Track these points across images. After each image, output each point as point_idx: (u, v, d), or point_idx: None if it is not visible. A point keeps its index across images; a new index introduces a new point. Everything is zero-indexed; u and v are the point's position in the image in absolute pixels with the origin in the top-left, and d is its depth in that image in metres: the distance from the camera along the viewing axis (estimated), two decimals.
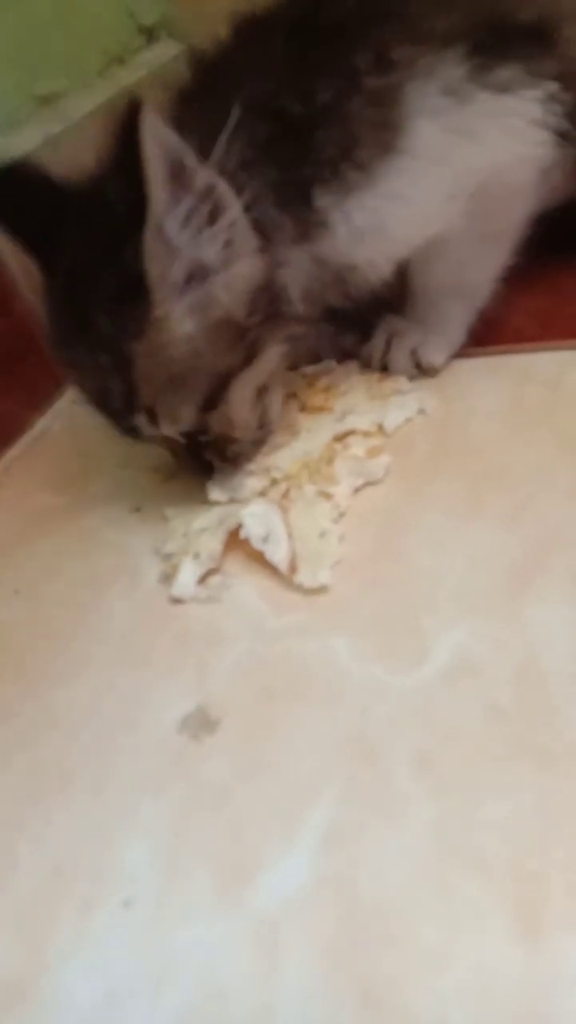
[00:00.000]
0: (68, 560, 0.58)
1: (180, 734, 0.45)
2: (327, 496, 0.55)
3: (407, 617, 0.47)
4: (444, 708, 0.43)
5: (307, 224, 0.52)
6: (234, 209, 0.49)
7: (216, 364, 0.51)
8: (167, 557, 0.55)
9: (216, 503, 0.57)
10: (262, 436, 0.58)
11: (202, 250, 0.48)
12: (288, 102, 0.50)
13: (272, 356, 0.54)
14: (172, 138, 0.45)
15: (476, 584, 0.48)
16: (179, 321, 0.49)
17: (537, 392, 0.58)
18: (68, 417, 0.71)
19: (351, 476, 0.56)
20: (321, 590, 0.50)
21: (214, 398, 0.52)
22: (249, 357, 0.52)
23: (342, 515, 0.54)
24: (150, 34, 0.84)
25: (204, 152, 0.48)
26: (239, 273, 0.50)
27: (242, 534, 0.53)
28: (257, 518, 0.53)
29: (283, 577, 0.51)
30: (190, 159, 0.46)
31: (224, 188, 0.48)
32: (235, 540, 0.53)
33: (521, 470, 0.53)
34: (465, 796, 0.39)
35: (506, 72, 0.51)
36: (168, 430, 0.53)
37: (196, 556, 0.53)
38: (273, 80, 0.50)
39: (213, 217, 0.48)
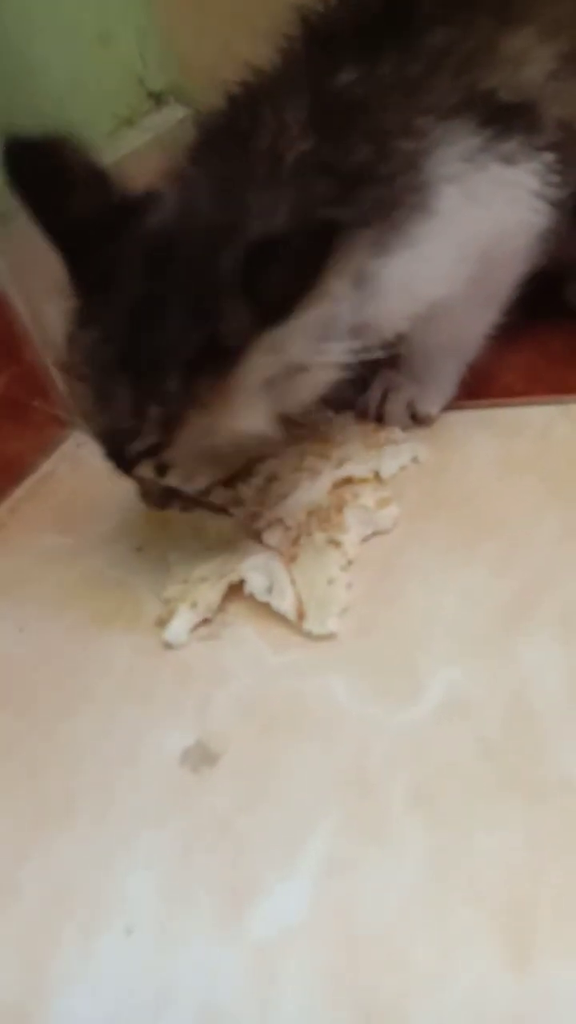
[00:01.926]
0: (72, 598, 0.60)
1: (181, 767, 0.47)
2: (336, 544, 0.56)
3: (402, 656, 0.49)
4: (437, 744, 0.44)
5: (358, 289, 0.52)
6: (346, 313, 0.49)
7: (256, 450, 0.51)
8: (166, 602, 0.56)
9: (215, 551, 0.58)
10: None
11: (302, 354, 0.47)
12: (331, 157, 0.51)
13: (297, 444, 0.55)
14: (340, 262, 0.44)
15: (469, 625, 0.50)
16: (253, 413, 0.48)
17: (525, 443, 0.61)
18: (73, 460, 0.73)
19: (360, 525, 0.58)
20: (329, 637, 0.51)
21: (238, 477, 0.52)
22: (284, 444, 0.53)
23: (350, 563, 0.55)
24: (158, 99, 0.88)
25: (236, 201, 0.48)
26: (324, 377, 0.51)
27: (246, 590, 0.54)
28: (259, 571, 0.55)
29: (291, 624, 0.52)
30: (336, 281, 0.45)
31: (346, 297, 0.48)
32: (238, 588, 0.55)
33: (511, 516, 0.55)
34: (458, 828, 0.40)
35: (510, 145, 0.54)
36: (171, 483, 0.52)
37: (194, 605, 0.55)
38: (309, 140, 0.51)
39: (329, 322, 0.47)
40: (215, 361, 0.46)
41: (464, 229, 0.55)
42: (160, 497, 0.55)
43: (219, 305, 0.45)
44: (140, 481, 0.54)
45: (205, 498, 0.56)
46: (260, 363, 0.46)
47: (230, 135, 0.55)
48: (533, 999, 0.34)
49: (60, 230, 0.49)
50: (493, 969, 0.35)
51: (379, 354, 0.52)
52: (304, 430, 0.59)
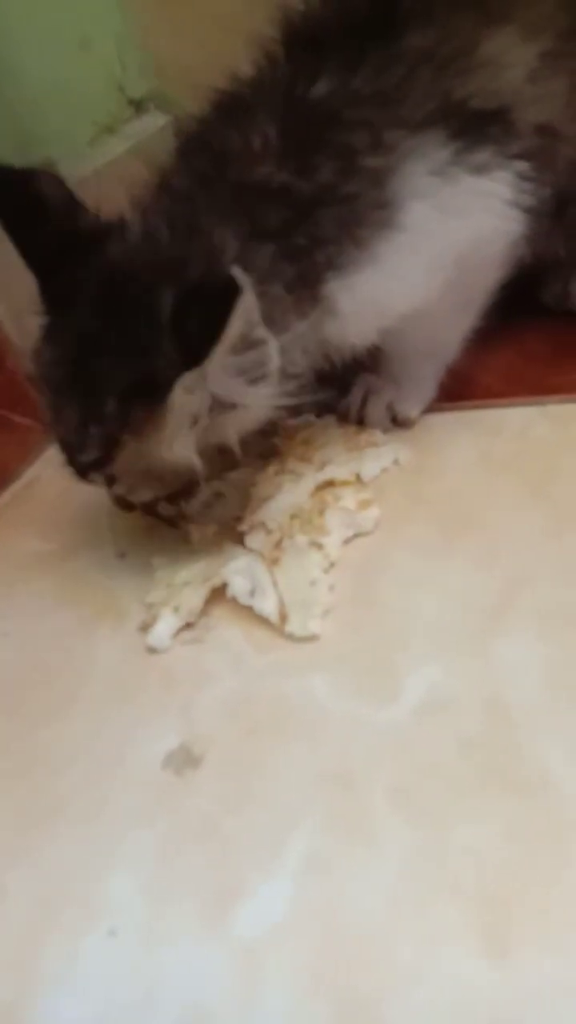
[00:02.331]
0: (56, 603, 0.60)
1: (165, 770, 0.47)
2: (318, 546, 0.57)
3: (383, 655, 0.50)
4: (418, 742, 0.45)
5: (313, 312, 0.54)
6: (274, 360, 0.51)
7: (195, 474, 0.53)
8: (149, 606, 0.57)
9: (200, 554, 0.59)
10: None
11: (230, 392, 0.50)
12: (290, 180, 0.52)
13: (245, 469, 0.58)
14: (254, 313, 0.48)
15: (449, 623, 0.50)
16: (181, 443, 0.51)
17: (505, 444, 0.62)
18: (57, 466, 0.73)
19: (342, 527, 0.58)
20: (311, 638, 0.52)
21: (179, 496, 0.55)
22: (225, 470, 0.57)
23: (332, 565, 0.56)
24: (138, 106, 0.89)
25: (189, 235, 0.51)
26: (254, 415, 0.53)
27: (228, 593, 0.55)
28: (242, 574, 0.55)
29: (273, 627, 0.53)
30: (260, 330, 0.49)
31: (273, 345, 0.50)
32: (220, 592, 0.55)
33: (490, 516, 0.56)
34: (438, 825, 0.41)
35: (482, 155, 0.55)
36: (119, 492, 0.56)
37: (176, 609, 0.55)
38: (271, 161, 0.53)
39: (254, 367, 0.50)
40: (149, 394, 0.49)
41: (434, 242, 0.55)
42: (124, 502, 0.59)
43: (157, 343, 0.48)
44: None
45: (153, 509, 0.59)
46: (184, 400, 0.49)
47: (202, 152, 0.56)
48: (511, 993, 0.35)
49: (33, 252, 0.53)
50: (473, 964, 0.36)
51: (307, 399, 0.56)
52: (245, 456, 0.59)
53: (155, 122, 0.87)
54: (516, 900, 0.37)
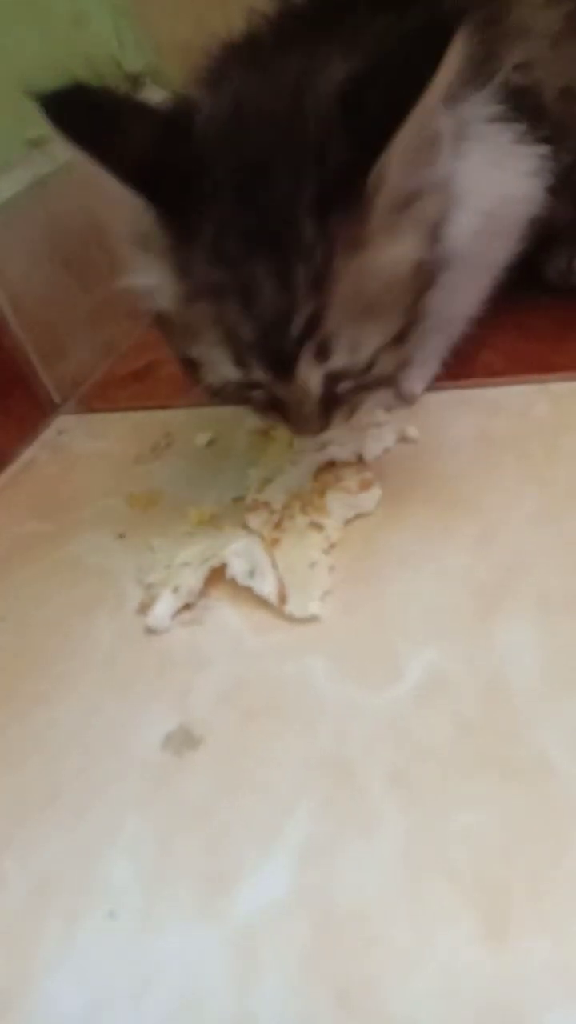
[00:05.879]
0: (53, 586, 0.60)
1: (164, 751, 0.47)
2: (318, 527, 0.56)
3: (381, 638, 0.49)
4: (416, 725, 0.44)
5: None
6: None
7: (413, 296, 0.49)
8: (148, 587, 0.56)
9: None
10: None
11: (427, 169, 0.45)
12: None
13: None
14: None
15: (447, 606, 0.50)
16: (397, 240, 0.46)
17: (505, 423, 0.61)
18: (54, 448, 0.73)
19: (343, 508, 0.58)
20: (311, 620, 0.51)
21: (405, 333, 0.50)
22: (425, 290, 0.51)
23: (333, 546, 0.56)
24: (136, 81, 0.88)
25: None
26: (440, 196, 0.49)
27: (227, 574, 0.54)
28: (241, 556, 0.55)
29: (273, 608, 0.52)
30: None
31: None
32: (220, 573, 0.55)
33: (490, 497, 0.55)
34: (435, 809, 0.41)
35: (520, 126, 0.55)
36: (337, 363, 0.48)
37: (175, 590, 0.55)
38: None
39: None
40: (341, 200, 0.44)
41: (479, 183, 0.53)
42: (321, 413, 0.51)
43: (322, 149, 0.43)
44: (299, 401, 0.50)
45: (378, 381, 0.52)
46: (395, 184, 0.44)
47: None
48: (508, 976, 0.34)
49: (132, 168, 0.45)
50: (469, 947, 0.35)
51: None
52: None
53: (152, 97, 0.85)
54: (515, 884, 0.37)
